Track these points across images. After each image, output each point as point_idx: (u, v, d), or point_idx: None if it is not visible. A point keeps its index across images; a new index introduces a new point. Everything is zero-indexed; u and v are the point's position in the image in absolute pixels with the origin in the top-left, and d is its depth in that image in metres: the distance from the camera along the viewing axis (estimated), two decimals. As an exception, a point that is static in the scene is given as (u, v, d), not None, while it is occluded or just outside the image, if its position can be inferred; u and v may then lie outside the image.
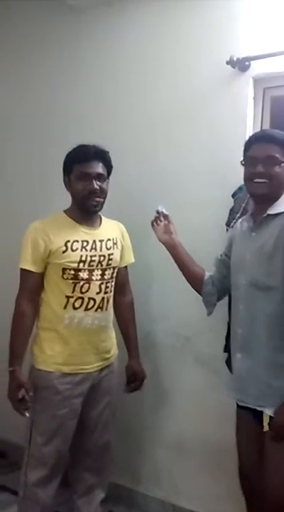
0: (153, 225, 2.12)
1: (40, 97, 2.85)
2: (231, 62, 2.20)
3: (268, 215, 1.75)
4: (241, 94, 2.26)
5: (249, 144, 1.82)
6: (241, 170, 2.20)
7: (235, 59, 2.19)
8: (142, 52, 2.51)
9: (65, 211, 2.10)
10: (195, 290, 2.07)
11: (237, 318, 1.83)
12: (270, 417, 1.68)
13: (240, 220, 2.00)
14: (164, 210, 2.11)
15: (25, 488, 2.01)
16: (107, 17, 2.60)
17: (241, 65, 2.21)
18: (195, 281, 2.05)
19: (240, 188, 2.19)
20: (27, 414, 1.94)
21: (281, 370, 1.68)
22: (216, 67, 2.27)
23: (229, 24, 2.26)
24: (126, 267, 2.26)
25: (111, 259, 2.09)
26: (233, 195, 2.21)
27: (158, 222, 2.11)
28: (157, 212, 2.12)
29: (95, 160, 2.01)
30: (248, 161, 1.79)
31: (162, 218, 2.11)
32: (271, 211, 1.75)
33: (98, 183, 2.01)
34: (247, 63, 2.21)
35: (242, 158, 1.85)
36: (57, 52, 2.79)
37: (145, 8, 2.49)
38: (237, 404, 1.86)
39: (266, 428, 1.69)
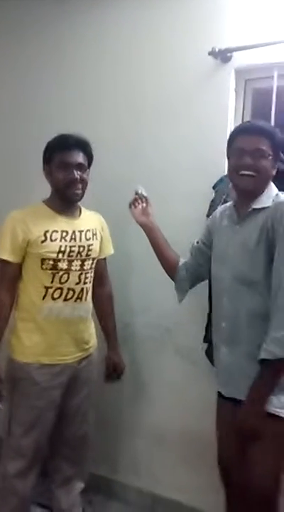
0: (130, 206, 2.11)
1: (22, 89, 2.80)
2: (213, 53, 2.19)
3: (254, 209, 1.73)
4: (222, 85, 2.25)
5: (236, 135, 1.77)
6: (222, 161, 2.23)
7: (217, 50, 2.18)
8: (125, 43, 2.49)
9: (44, 201, 2.07)
10: (168, 275, 2.06)
11: (221, 312, 1.81)
12: None
13: (219, 208, 1.97)
14: (143, 192, 2.10)
15: (4, 480, 1.99)
16: (90, 8, 2.57)
17: (222, 56, 2.20)
18: (169, 265, 2.05)
19: (221, 180, 2.18)
20: (0, 406, 1.93)
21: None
22: (198, 58, 2.26)
23: (212, 15, 2.24)
24: (104, 258, 2.25)
25: (91, 250, 2.08)
26: (214, 187, 2.21)
27: (136, 204, 2.10)
28: (137, 193, 2.11)
29: (76, 149, 1.99)
30: (235, 152, 1.74)
31: (140, 200, 2.10)
32: (256, 205, 1.72)
33: (78, 172, 1.98)
34: (229, 54, 2.19)
35: (226, 150, 1.82)
36: (39, 43, 2.74)
37: (126, 1, 2.46)
38: (218, 395, 1.86)
39: None
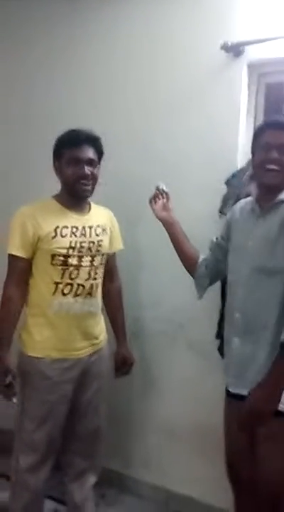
0: (151, 202, 2.11)
1: (34, 85, 2.82)
2: (225, 48, 2.18)
3: (276, 201, 1.73)
4: (235, 80, 2.24)
5: (262, 130, 1.77)
6: (235, 156, 2.23)
7: (229, 44, 2.17)
8: (136, 38, 2.49)
9: (54, 197, 2.07)
10: (188, 271, 2.06)
11: (235, 303, 1.81)
12: None
13: (239, 204, 1.96)
14: (164, 187, 2.09)
15: (16, 474, 2.01)
16: (102, 5, 2.57)
17: (235, 50, 2.19)
18: (189, 261, 2.04)
19: (233, 176, 2.18)
20: (14, 400, 1.94)
21: None
22: (210, 52, 2.25)
23: (223, 9, 2.23)
24: (114, 253, 2.25)
25: (101, 246, 2.08)
26: (226, 182, 2.20)
27: (157, 199, 2.10)
28: (157, 189, 2.10)
29: (86, 145, 1.98)
30: (261, 146, 1.74)
31: (161, 196, 2.10)
32: (281, 198, 1.73)
33: (89, 168, 1.98)
34: (241, 48, 2.19)
35: (251, 145, 1.82)
36: (50, 39, 2.75)
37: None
38: (226, 391, 1.86)
39: None
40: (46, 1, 2.73)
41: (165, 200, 2.09)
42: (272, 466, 1.67)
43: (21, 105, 2.86)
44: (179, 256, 2.06)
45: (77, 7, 2.64)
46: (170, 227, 2.06)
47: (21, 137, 2.87)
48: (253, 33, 2.15)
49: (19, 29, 2.84)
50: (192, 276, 2.05)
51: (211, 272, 2.01)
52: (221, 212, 2.20)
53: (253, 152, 1.82)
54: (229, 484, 1.93)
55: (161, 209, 2.08)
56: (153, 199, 2.11)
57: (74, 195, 2.02)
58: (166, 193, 2.10)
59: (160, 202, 2.09)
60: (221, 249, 1.97)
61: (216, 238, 2.03)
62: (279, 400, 1.60)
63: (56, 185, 2.09)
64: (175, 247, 2.06)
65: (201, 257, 2.04)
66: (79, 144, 1.97)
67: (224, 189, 2.20)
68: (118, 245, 2.25)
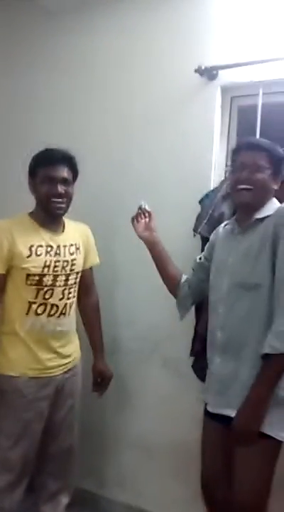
0: (133, 221, 2.09)
1: (8, 101, 2.85)
2: (199, 71, 2.25)
3: (256, 219, 1.75)
4: (209, 102, 2.30)
5: (237, 151, 1.82)
6: (209, 176, 2.28)
7: (203, 67, 2.24)
8: (114, 59, 2.54)
9: (29, 214, 2.08)
10: (170, 291, 2.06)
11: (216, 322, 1.81)
12: None
13: (222, 225, 1.98)
14: (146, 207, 2.08)
15: None
16: (80, 22, 2.62)
17: (209, 73, 2.25)
18: (171, 282, 2.04)
19: (207, 195, 2.22)
20: None
21: None
22: (185, 75, 2.32)
23: (198, 33, 2.31)
24: (90, 268, 2.26)
25: (74, 265, 2.09)
26: (200, 202, 2.25)
27: (139, 219, 2.09)
28: (140, 208, 2.09)
29: (61, 164, 2.00)
30: (235, 167, 1.80)
31: (143, 215, 2.09)
32: (258, 215, 1.75)
33: (63, 187, 2.00)
34: (215, 72, 2.25)
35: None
36: (29, 55, 2.79)
37: (116, 16, 2.52)
38: (205, 413, 1.86)
39: None
40: (25, 13, 2.77)
41: (147, 219, 2.09)
42: (248, 487, 1.66)
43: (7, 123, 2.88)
44: (161, 276, 2.05)
45: (56, 23, 2.69)
46: (152, 247, 2.05)
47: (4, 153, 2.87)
48: (227, 58, 2.22)
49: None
50: (175, 296, 2.05)
51: (194, 292, 2.02)
52: (195, 231, 2.23)
53: (228, 174, 1.87)
54: (203, 505, 1.92)
55: (143, 229, 2.07)
56: (135, 218, 2.10)
57: (48, 213, 2.03)
58: (148, 212, 2.09)
59: (142, 221, 2.08)
60: (204, 269, 1.97)
61: (200, 258, 2.03)
62: (263, 416, 1.61)
63: (33, 201, 2.10)
64: (157, 267, 2.05)
65: (184, 277, 2.04)
66: (54, 162, 1.99)
67: (198, 208, 2.24)
68: (94, 260, 2.26)
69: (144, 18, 2.44)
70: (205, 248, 2.04)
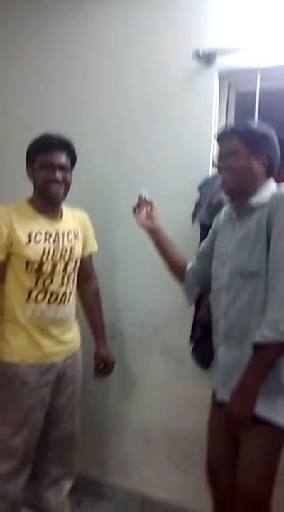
0: (134, 211, 2.09)
1: (5, 89, 2.84)
2: (196, 57, 2.25)
3: (252, 206, 1.75)
4: (206, 88, 2.30)
5: (217, 142, 1.85)
6: (207, 163, 2.29)
7: (201, 53, 2.23)
8: (109, 45, 2.53)
9: (28, 200, 2.08)
10: (176, 279, 2.07)
11: (219, 310, 1.82)
12: None
13: (223, 210, 1.98)
14: (146, 196, 2.09)
15: None
16: (76, 9, 2.61)
17: (206, 59, 2.25)
18: (176, 270, 2.05)
19: (205, 182, 2.23)
20: None
21: None
22: (182, 60, 2.31)
23: (195, 18, 2.30)
24: (90, 255, 2.28)
25: (73, 252, 2.10)
26: (199, 189, 2.26)
27: (140, 209, 2.08)
28: (140, 197, 2.09)
29: (59, 150, 2.01)
30: (217, 156, 1.84)
31: (144, 204, 2.09)
32: (253, 202, 1.74)
33: (61, 173, 2.00)
34: (212, 57, 2.24)
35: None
36: (24, 43, 2.78)
37: (113, 1, 2.50)
38: (212, 401, 1.88)
39: None
40: (21, 6, 2.76)
41: (148, 208, 2.09)
42: (252, 474, 1.68)
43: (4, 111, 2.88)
44: (166, 264, 2.06)
45: (49, 11, 2.68)
46: (155, 236, 2.06)
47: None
48: (225, 43, 2.22)
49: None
50: (180, 284, 2.07)
51: (199, 279, 2.01)
52: (194, 217, 2.24)
53: None
54: (205, 489, 1.95)
55: (145, 218, 2.07)
56: (137, 208, 2.09)
57: (47, 199, 2.04)
58: (149, 202, 2.09)
59: (143, 211, 2.08)
60: (207, 256, 1.97)
61: (203, 246, 2.04)
62: (253, 404, 1.62)
63: (31, 187, 2.10)
64: (161, 255, 2.06)
65: (189, 265, 2.04)
66: (52, 149, 2.00)
67: (197, 194, 2.25)
68: (93, 247, 2.27)
69: (141, 3, 2.43)
70: (208, 235, 2.04)
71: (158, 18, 2.39)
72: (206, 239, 2.03)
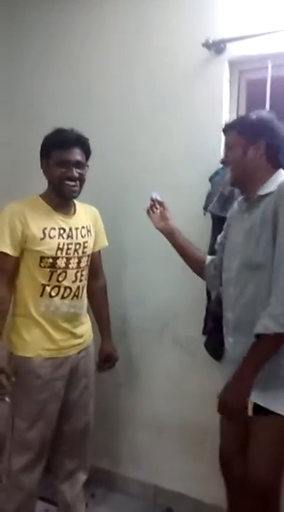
0: (148, 212, 2.13)
1: (13, 86, 2.85)
2: (206, 45, 2.24)
3: (259, 196, 1.75)
4: (216, 77, 2.30)
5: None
6: (218, 153, 2.29)
7: (211, 41, 2.23)
8: (118, 35, 2.53)
9: (41, 196, 2.09)
10: (198, 274, 2.09)
11: (227, 302, 1.85)
12: (254, 403, 1.68)
13: (236, 202, 1.98)
14: (158, 197, 2.12)
15: (9, 475, 2.04)
16: (81, 3, 2.61)
17: (216, 47, 2.25)
18: (196, 266, 2.08)
19: (216, 172, 2.24)
20: (7, 400, 1.97)
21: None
22: (191, 49, 2.31)
23: (205, 6, 2.29)
24: (99, 251, 2.29)
25: (86, 247, 2.12)
26: (210, 179, 2.26)
27: (154, 209, 2.12)
28: (152, 199, 2.12)
29: (75, 147, 2.01)
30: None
31: (157, 205, 2.12)
32: (261, 192, 1.75)
33: (78, 170, 2.01)
34: (222, 45, 2.24)
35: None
36: (33, 37, 2.78)
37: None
38: None
39: (250, 413, 1.70)
40: (32, 4, 2.77)
41: (161, 209, 2.12)
42: (261, 464, 1.72)
43: (5, 101, 2.89)
44: (186, 262, 2.09)
45: (56, 6, 2.68)
46: (171, 236, 2.08)
47: (6, 132, 2.87)
48: (235, 31, 2.21)
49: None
50: (203, 278, 2.09)
51: (220, 271, 2.00)
52: (205, 209, 2.25)
53: None
54: (218, 479, 1.98)
55: (159, 219, 2.10)
56: (150, 209, 2.13)
57: (62, 196, 2.05)
58: (161, 202, 2.12)
59: (157, 212, 2.12)
60: (222, 248, 1.98)
61: (220, 238, 2.05)
62: (248, 393, 1.64)
63: (43, 183, 2.10)
64: (179, 254, 2.09)
65: (209, 258, 2.07)
66: (69, 146, 2.00)
67: (208, 186, 2.26)
68: (103, 243, 2.29)
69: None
70: (224, 227, 2.04)
71: (167, 7, 2.38)
72: (223, 230, 2.04)
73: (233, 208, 1.99)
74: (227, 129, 1.82)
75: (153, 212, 2.12)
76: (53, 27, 2.72)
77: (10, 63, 2.86)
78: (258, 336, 1.61)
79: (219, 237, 2.07)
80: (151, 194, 2.13)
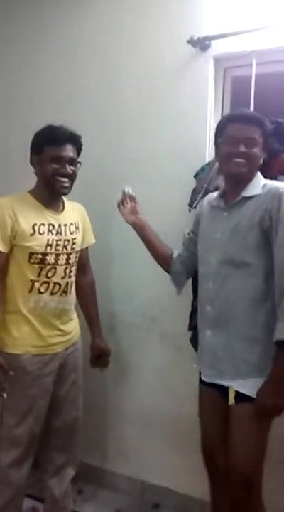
0: (119, 206, 2.19)
1: (3, 78, 2.89)
2: (191, 42, 2.30)
3: (243, 197, 1.84)
4: (201, 73, 2.35)
5: (227, 122, 1.87)
6: (203, 150, 2.33)
7: (195, 38, 2.28)
8: (103, 32, 2.58)
9: (30, 192, 2.13)
10: (164, 269, 2.17)
11: (206, 296, 1.92)
12: (237, 392, 1.78)
13: (206, 198, 2.07)
14: (130, 191, 2.18)
15: None
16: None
17: (201, 44, 2.30)
18: (164, 260, 2.15)
19: (202, 169, 2.29)
20: (4, 395, 2.00)
21: (256, 344, 1.78)
22: (176, 46, 2.37)
23: (190, 3, 2.34)
24: (86, 248, 2.34)
25: (75, 244, 2.17)
26: (195, 176, 2.31)
27: (124, 203, 2.18)
28: (124, 193, 2.18)
29: (68, 143, 2.06)
30: (228, 139, 1.84)
31: (128, 200, 2.18)
32: (245, 193, 1.84)
33: (71, 167, 2.06)
34: (207, 42, 2.30)
35: (215, 137, 1.93)
36: (19, 32, 2.83)
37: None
38: (200, 380, 1.98)
39: (231, 402, 1.80)
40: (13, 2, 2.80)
41: (132, 203, 2.18)
42: (244, 453, 1.78)
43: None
44: (153, 256, 2.17)
45: (44, 2, 2.71)
46: (141, 231, 2.15)
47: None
48: (219, 28, 2.26)
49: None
50: (169, 273, 2.16)
51: (187, 266, 2.12)
52: (191, 205, 2.30)
53: (217, 145, 1.93)
54: (205, 473, 2.04)
55: (130, 213, 2.17)
56: (121, 203, 2.19)
57: (53, 192, 2.09)
58: (133, 197, 2.18)
59: (128, 206, 2.18)
60: (194, 243, 2.06)
61: (188, 233, 2.13)
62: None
63: (31, 180, 2.14)
64: (148, 248, 2.16)
65: (176, 253, 2.15)
66: (62, 142, 2.04)
67: (193, 182, 2.31)
68: (90, 240, 2.34)
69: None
70: (193, 223, 2.12)
71: (152, 4, 2.43)
72: (192, 226, 2.12)
73: (201, 205, 2.08)
74: (250, 120, 1.82)
75: (124, 207, 2.18)
76: (38, 24, 2.76)
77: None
78: (279, 342, 1.69)
79: (186, 233, 2.14)
80: (123, 188, 2.18)
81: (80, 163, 2.13)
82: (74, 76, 2.67)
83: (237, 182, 1.87)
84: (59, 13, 2.69)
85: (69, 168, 2.05)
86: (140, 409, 2.64)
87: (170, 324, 2.51)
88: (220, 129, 1.90)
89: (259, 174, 1.88)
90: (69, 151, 2.06)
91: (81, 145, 2.13)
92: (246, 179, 1.85)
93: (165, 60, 2.42)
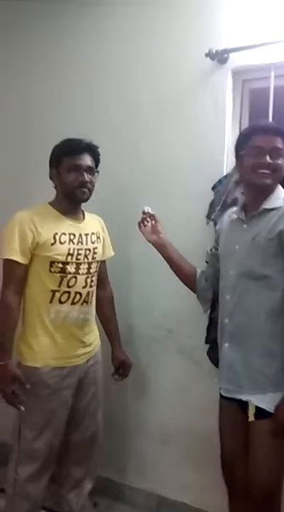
0: (140, 226, 2.22)
1: (18, 88, 2.96)
2: (210, 55, 2.34)
3: (264, 209, 1.86)
4: (220, 86, 2.40)
5: (252, 134, 1.89)
6: (221, 162, 2.36)
7: (214, 51, 2.32)
8: (122, 46, 2.64)
9: (50, 203, 2.19)
10: (188, 287, 2.19)
11: (224, 309, 1.94)
12: (257, 407, 1.80)
13: (228, 212, 2.10)
14: (150, 210, 2.22)
15: (15, 485, 2.10)
16: (88, 9, 2.71)
17: (219, 57, 2.34)
18: (187, 279, 2.17)
19: (220, 181, 2.33)
20: (22, 408, 2.03)
21: (275, 358, 1.80)
22: (195, 59, 2.41)
23: (208, 16, 2.39)
24: (104, 260, 2.38)
25: (96, 253, 2.22)
26: (213, 188, 2.35)
27: (145, 223, 2.21)
28: (144, 212, 2.22)
29: (86, 153, 2.13)
30: (253, 151, 1.85)
31: (148, 219, 2.21)
32: (266, 205, 1.86)
33: (89, 176, 2.12)
34: (226, 55, 2.34)
35: (237, 148, 1.95)
36: (36, 47, 2.90)
37: (122, 1, 2.60)
38: (220, 396, 1.99)
39: (251, 418, 1.82)
40: (32, 4, 2.85)
41: (153, 222, 2.21)
42: (264, 467, 1.80)
43: (9, 112, 2.99)
44: (177, 275, 2.19)
45: (63, 9, 2.78)
46: (162, 249, 2.17)
47: (11, 142, 2.98)
48: (238, 40, 2.31)
49: (4, 29, 2.99)
50: (194, 291, 2.18)
51: (212, 283, 2.13)
52: (209, 218, 2.34)
53: (239, 156, 1.94)
54: (222, 489, 2.05)
55: (150, 232, 2.20)
56: (141, 223, 2.22)
57: (73, 201, 2.16)
58: (153, 215, 2.22)
59: (148, 225, 2.21)
60: (218, 258, 2.07)
61: (211, 249, 2.16)
62: None
63: (50, 192, 2.20)
64: (170, 266, 2.18)
65: (199, 271, 2.17)
66: (79, 152, 2.12)
67: (211, 195, 2.35)
68: (110, 252, 2.39)
69: (152, 2, 2.52)
70: (214, 239, 2.15)
71: (170, 17, 2.48)
72: (214, 242, 2.15)
73: (222, 220, 2.10)
74: (277, 132, 1.84)
75: (144, 226, 2.21)
76: (55, 34, 2.84)
77: (7, 69, 2.98)
78: None
79: (209, 249, 2.17)
80: (143, 208, 2.22)
81: (98, 171, 2.19)
82: (91, 89, 2.72)
83: (260, 194, 1.89)
84: (77, 27, 2.75)
85: (87, 177, 2.11)
86: (158, 423, 2.66)
87: (188, 337, 2.53)
88: (243, 141, 1.92)
89: (280, 187, 1.91)
90: (86, 160, 2.13)
91: (98, 155, 2.19)
92: (270, 191, 1.88)
93: (184, 73, 2.46)
